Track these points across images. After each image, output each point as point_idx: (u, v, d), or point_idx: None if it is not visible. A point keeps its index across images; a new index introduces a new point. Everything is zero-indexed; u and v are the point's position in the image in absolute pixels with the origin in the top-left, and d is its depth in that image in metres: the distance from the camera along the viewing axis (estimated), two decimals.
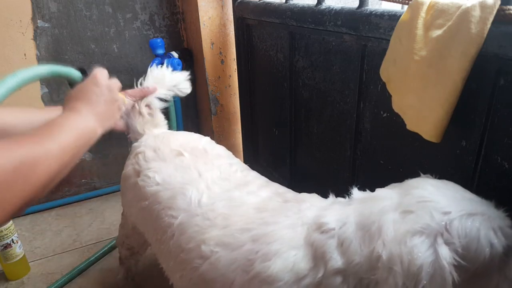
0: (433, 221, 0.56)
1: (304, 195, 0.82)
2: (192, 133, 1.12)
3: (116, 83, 0.85)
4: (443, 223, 0.56)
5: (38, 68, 0.76)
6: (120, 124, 1.03)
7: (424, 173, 0.72)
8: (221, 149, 1.04)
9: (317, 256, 0.64)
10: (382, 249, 0.57)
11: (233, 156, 1.03)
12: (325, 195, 0.81)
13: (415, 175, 0.71)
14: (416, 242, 0.55)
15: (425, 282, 0.53)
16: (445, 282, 0.53)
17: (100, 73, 0.81)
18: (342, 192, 0.77)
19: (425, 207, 0.58)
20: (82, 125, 0.69)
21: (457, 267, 0.54)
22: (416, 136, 0.77)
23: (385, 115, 0.93)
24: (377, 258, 0.58)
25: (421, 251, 0.54)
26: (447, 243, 0.55)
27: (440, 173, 0.70)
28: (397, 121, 0.84)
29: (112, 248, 1.53)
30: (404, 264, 0.54)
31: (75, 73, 0.86)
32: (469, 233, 0.55)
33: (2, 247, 1.36)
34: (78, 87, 0.78)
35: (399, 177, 0.92)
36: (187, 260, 0.78)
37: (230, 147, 1.78)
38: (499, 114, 0.68)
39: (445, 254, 0.54)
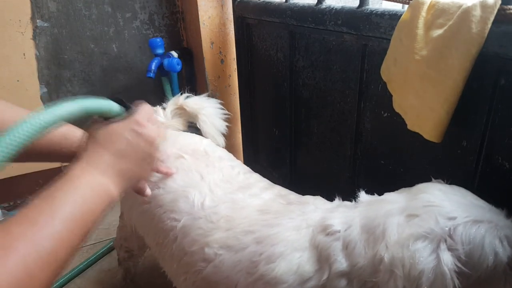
0: (437, 226, 0.56)
1: (308, 197, 0.82)
2: (193, 134, 1.11)
3: (160, 129, 0.65)
4: (447, 228, 0.56)
5: (64, 108, 0.51)
6: (143, 187, 0.75)
7: (425, 174, 0.72)
8: (222, 152, 1.03)
9: (322, 259, 0.64)
10: (384, 252, 0.57)
11: (235, 158, 1.03)
12: (325, 195, 0.81)
13: (416, 175, 0.71)
14: (419, 247, 0.55)
15: (425, 287, 0.53)
16: None
17: (144, 115, 0.62)
18: (343, 192, 0.77)
19: (430, 212, 0.58)
20: (94, 189, 0.53)
21: (459, 273, 0.54)
22: (417, 136, 0.77)
23: (386, 115, 0.93)
24: (379, 261, 0.57)
25: (423, 256, 0.54)
26: (450, 249, 0.55)
27: (440, 173, 0.70)
28: (398, 121, 0.84)
29: (111, 249, 1.52)
30: (405, 268, 0.54)
31: (114, 107, 0.60)
32: (473, 240, 0.55)
33: None
34: (110, 128, 0.59)
35: (399, 177, 0.92)
36: (191, 263, 0.77)
37: (230, 147, 1.78)
38: (500, 114, 0.67)
39: (447, 260, 0.53)
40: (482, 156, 0.72)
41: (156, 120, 0.65)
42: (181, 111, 1.16)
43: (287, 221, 0.73)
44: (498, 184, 0.71)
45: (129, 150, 0.59)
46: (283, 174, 1.45)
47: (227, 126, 1.13)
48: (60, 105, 0.51)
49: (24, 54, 1.62)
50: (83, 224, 0.50)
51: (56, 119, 0.50)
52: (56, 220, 0.46)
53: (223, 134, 1.14)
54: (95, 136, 0.59)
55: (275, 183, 0.92)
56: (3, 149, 0.43)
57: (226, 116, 1.16)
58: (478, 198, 0.62)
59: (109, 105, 0.59)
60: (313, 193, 0.84)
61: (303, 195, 0.85)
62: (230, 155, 1.04)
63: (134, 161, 0.60)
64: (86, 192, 0.52)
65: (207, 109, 1.13)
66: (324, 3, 1.06)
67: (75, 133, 0.70)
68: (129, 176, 0.60)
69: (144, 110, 0.63)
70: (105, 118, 0.60)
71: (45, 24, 1.63)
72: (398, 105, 0.82)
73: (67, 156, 0.70)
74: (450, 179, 0.67)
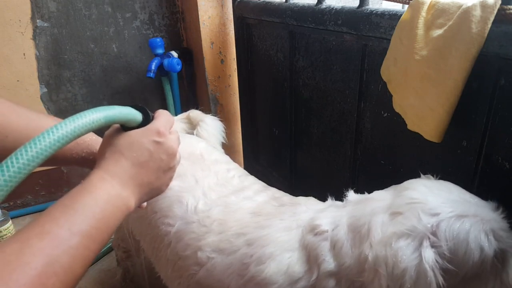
0: (420, 223, 0.56)
1: (300, 198, 0.82)
2: (190, 135, 1.11)
3: (177, 140, 0.62)
4: (430, 225, 0.55)
5: (86, 117, 0.48)
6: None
7: (425, 174, 0.72)
8: (218, 154, 1.03)
9: (311, 259, 0.64)
10: (369, 251, 0.57)
11: (231, 161, 1.03)
12: (325, 195, 0.81)
13: (415, 175, 0.71)
14: (401, 245, 0.55)
15: (409, 285, 0.53)
16: (429, 286, 0.52)
17: (166, 125, 0.59)
18: (343, 192, 0.77)
19: (413, 209, 0.58)
20: (113, 202, 0.51)
21: (445, 270, 0.53)
22: (417, 136, 0.77)
23: (385, 114, 0.93)
24: (364, 260, 0.57)
25: (405, 254, 0.54)
26: (433, 246, 0.54)
27: (440, 173, 0.70)
28: (398, 121, 0.84)
29: (111, 249, 1.52)
30: (388, 267, 0.54)
31: (136, 116, 0.57)
32: (457, 235, 0.54)
33: None
34: (131, 137, 0.56)
35: (399, 177, 0.92)
36: (184, 267, 0.78)
37: (230, 147, 1.78)
38: (500, 114, 0.67)
39: (429, 257, 0.53)
40: (482, 156, 0.72)
41: (176, 131, 0.62)
42: (185, 120, 1.22)
43: (278, 222, 0.73)
44: (498, 184, 0.71)
45: (150, 162, 0.56)
46: (283, 174, 1.45)
47: (227, 126, 1.14)
48: (82, 115, 0.48)
49: (24, 54, 1.62)
50: (100, 239, 0.48)
51: (79, 129, 0.47)
52: (74, 236, 0.45)
53: (223, 137, 1.21)
54: (114, 144, 0.55)
55: (275, 183, 0.92)
56: (20, 165, 0.41)
57: (225, 136, 1.25)
58: (466, 192, 0.62)
59: (132, 114, 0.56)
60: (313, 193, 0.84)
61: (303, 195, 0.85)
62: (227, 158, 1.03)
63: (155, 174, 0.57)
64: (105, 205, 0.50)
65: (208, 119, 1.19)
66: (324, 3, 1.06)
67: (85, 138, 0.69)
68: (149, 189, 0.57)
69: (165, 119, 0.60)
70: (125, 125, 0.57)
71: (45, 24, 1.63)
72: (398, 105, 0.82)
73: (77, 161, 0.68)
74: (450, 179, 0.67)
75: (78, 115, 0.48)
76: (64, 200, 0.48)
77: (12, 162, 0.40)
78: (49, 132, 0.44)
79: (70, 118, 0.47)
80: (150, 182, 0.57)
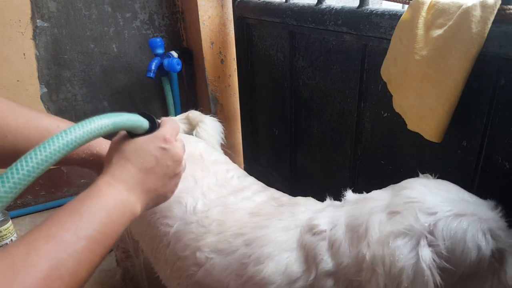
0: (417, 223, 0.56)
1: (299, 198, 0.82)
2: (189, 136, 1.11)
3: (183, 147, 0.63)
4: (427, 224, 0.55)
5: (94, 123, 0.49)
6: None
7: (424, 174, 0.72)
8: (218, 155, 1.03)
9: (309, 259, 0.64)
10: (366, 250, 0.57)
11: (230, 161, 1.03)
12: (325, 195, 0.81)
13: (415, 175, 0.71)
14: (399, 244, 0.55)
15: (406, 285, 0.52)
16: (426, 285, 0.52)
17: (171, 132, 0.60)
18: (342, 192, 0.77)
19: (411, 208, 0.58)
20: (120, 207, 0.51)
21: (442, 270, 0.53)
22: (417, 136, 0.77)
23: (385, 115, 0.93)
24: (362, 260, 0.57)
25: (403, 253, 0.54)
26: (431, 245, 0.54)
27: (440, 173, 0.70)
28: (398, 121, 0.84)
29: (111, 249, 1.52)
30: (386, 266, 0.54)
31: (143, 123, 0.58)
32: (454, 234, 0.54)
33: (2, 248, 1.36)
34: (137, 143, 0.56)
35: (399, 177, 0.92)
36: (183, 268, 0.78)
37: (230, 147, 1.78)
38: (500, 114, 0.67)
39: (426, 256, 0.53)
40: (482, 156, 0.72)
41: (181, 139, 0.63)
42: (184, 120, 1.22)
43: (277, 223, 0.73)
44: (498, 184, 0.71)
45: (157, 168, 0.57)
46: (283, 174, 1.45)
47: (227, 126, 1.14)
48: (91, 121, 0.49)
49: (24, 54, 1.62)
50: (106, 243, 0.49)
51: (87, 135, 0.48)
52: (80, 240, 0.45)
53: (222, 138, 1.22)
54: (121, 150, 0.56)
55: (275, 183, 0.92)
56: (30, 168, 0.41)
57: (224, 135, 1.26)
58: (464, 191, 0.62)
59: (139, 121, 0.57)
60: (313, 193, 0.84)
61: (303, 195, 0.85)
62: (226, 158, 1.04)
63: (161, 180, 0.58)
64: (111, 210, 0.50)
65: (207, 119, 1.20)
66: (324, 3, 1.06)
67: None
68: (155, 195, 0.58)
69: (171, 127, 0.61)
70: (132, 132, 0.58)
71: (45, 24, 1.63)
72: (398, 105, 0.82)
73: (77, 162, 0.69)
74: (450, 179, 0.67)
75: (86, 121, 0.49)
76: (70, 204, 0.49)
77: (21, 165, 0.41)
78: (58, 137, 0.45)
79: (79, 124, 0.48)
80: (156, 188, 0.58)
